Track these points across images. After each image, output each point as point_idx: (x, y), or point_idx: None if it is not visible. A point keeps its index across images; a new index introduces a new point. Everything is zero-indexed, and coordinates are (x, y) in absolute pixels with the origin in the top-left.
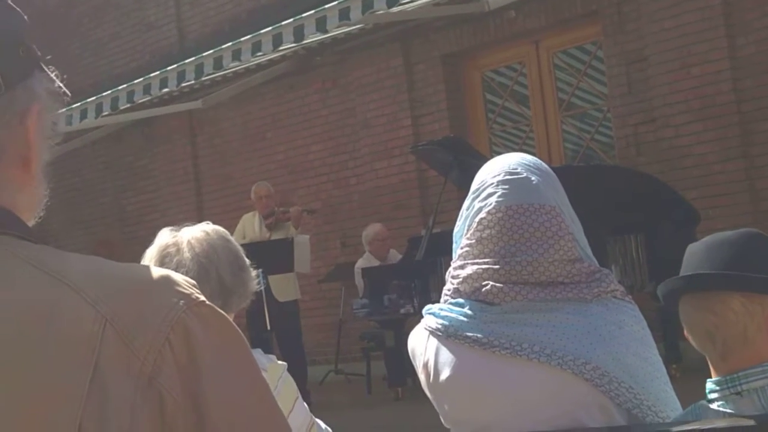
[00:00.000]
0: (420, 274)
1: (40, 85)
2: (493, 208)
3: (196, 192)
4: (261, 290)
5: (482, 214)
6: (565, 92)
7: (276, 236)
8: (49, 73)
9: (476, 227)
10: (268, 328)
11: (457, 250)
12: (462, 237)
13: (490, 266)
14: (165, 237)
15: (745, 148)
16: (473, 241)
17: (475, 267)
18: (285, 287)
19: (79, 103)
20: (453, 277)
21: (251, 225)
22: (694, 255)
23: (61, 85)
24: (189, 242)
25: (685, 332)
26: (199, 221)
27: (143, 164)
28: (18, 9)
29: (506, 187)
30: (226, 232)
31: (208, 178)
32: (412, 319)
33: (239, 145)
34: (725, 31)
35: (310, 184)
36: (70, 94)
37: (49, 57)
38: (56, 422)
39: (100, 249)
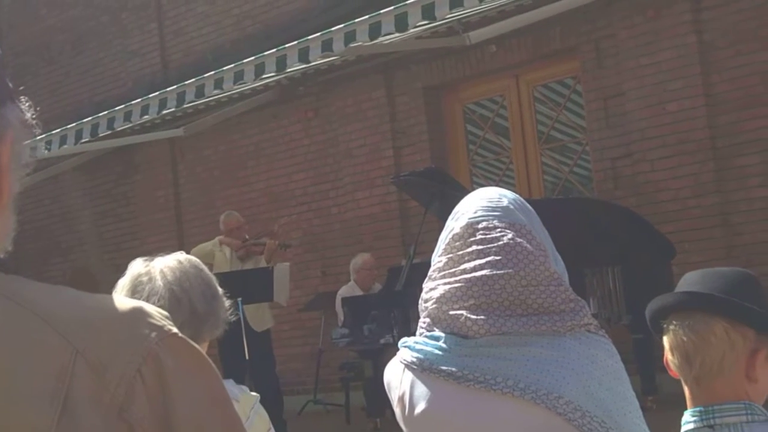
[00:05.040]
0: (400, 305)
1: (12, 113)
2: (465, 224)
3: (176, 220)
4: (239, 320)
5: (455, 230)
6: (545, 125)
7: (247, 267)
8: (22, 104)
9: (448, 243)
10: (247, 357)
11: (429, 273)
12: (435, 257)
13: (463, 284)
14: (138, 267)
15: (720, 183)
16: (444, 258)
17: (447, 287)
18: (261, 317)
19: (59, 129)
20: (425, 301)
21: (222, 251)
22: (687, 280)
23: (32, 116)
24: (161, 271)
25: (666, 354)
26: (180, 249)
27: (123, 191)
28: None
29: (480, 207)
30: (199, 261)
31: (188, 206)
32: (391, 350)
33: (221, 174)
34: (700, 69)
35: (291, 213)
36: (40, 126)
37: (27, 84)
38: None
39: (78, 277)
